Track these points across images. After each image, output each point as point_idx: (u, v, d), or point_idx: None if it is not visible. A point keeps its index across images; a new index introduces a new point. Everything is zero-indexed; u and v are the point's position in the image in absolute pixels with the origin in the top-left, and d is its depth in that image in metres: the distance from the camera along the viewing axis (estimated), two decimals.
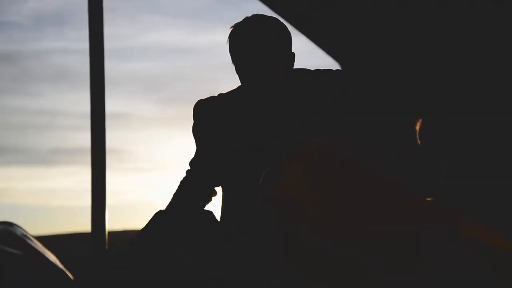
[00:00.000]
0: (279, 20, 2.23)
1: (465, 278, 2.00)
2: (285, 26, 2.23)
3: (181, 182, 2.37)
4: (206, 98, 2.31)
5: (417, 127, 3.74)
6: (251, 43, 2.15)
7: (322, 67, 2.34)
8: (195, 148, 2.36)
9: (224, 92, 2.33)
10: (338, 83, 2.27)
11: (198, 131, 2.31)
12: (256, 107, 2.22)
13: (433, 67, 5.72)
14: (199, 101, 2.32)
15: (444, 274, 2.01)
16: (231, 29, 2.20)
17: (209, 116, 2.27)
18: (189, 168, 2.37)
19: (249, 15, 2.22)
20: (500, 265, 2.01)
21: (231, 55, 2.21)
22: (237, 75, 2.24)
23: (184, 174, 2.38)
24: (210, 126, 2.27)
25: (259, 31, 2.17)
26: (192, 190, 2.33)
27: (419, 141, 3.73)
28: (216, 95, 2.32)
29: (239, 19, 2.23)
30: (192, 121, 2.34)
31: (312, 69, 2.32)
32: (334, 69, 2.32)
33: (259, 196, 2.12)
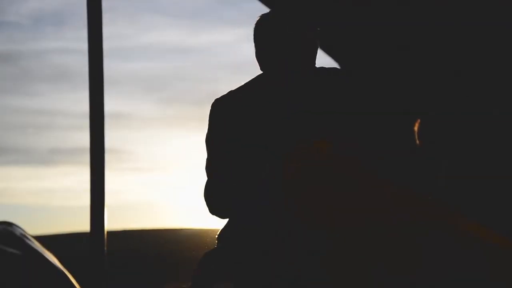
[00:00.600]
0: (305, 14, 2.25)
1: (465, 278, 2.00)
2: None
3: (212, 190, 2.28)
4: (223, 96, 2.29)
5: (416, 128, 3.74)
6: (283, 25, 2.17)
7: (321, 66, 2.34)
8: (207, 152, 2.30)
9: (238, 87, 2.31)
10: (340, 82, 2.27)
11: (219, 131, 2.27)
12: (270, 101, 2.21)
13: (433, 67, 5.72)
14: (216, 100, 2.30)
15: (444, 274, 2.00)
16: (258, 18, 2.21)
17: (229, 113, 2.25)
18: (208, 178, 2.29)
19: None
20: (499, 265, 2.01)
21: (259, 40, 2.21)
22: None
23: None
24: (232, 123, 2.24)
25: (291, 15, 2.20)
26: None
27: (418, 141, 3.72)
28: (230, 91, 2.31)
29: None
30: (208, 121, 2.30)
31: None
32: (336, 67, 2.32)
33: (260, 195, 2.12)
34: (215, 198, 2.25)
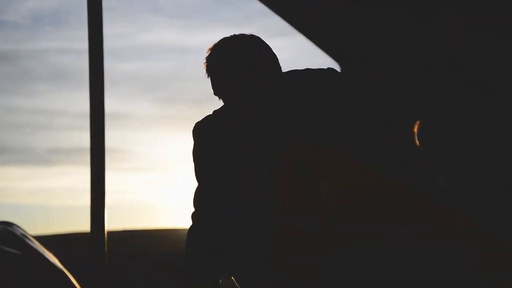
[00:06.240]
0: (249, 35, 2.23)
1: (463, 276, 2.01)
2: (255, 36, 2.23)
3: (195, 232, 2.33)
4: (203, 119, 2.31)
5: (415, 129, 3.74)
6: (227, 63, 2.17)
7: (321, 66, 2.33)
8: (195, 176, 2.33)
9: (218, 108, 2.32)
10: (331, 84, 2.26)
11: (202, 154, 2.29)
12: (249, 121, 2.22)
13: (433, 67, 5.72)
14: (197, 123, 2.31)
15: (442, 272, 2.01)
16: (204, 62, 2.21)
17: (210, 136, 2.27)
18: (195, 210, 2.33)
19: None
20: (497, 264, 2.02)
21: (212, 80, 2.21)
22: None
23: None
24: (214, 146, 2.26)
25: (229, 50, 2.18)
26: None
27: (417, 143, 3.73)
28: (211, 113, 2.32)
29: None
30: (192, 146, 2.32)
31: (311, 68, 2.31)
32: (325, 68, 2.30)
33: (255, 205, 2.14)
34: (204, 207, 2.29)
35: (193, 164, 2.32)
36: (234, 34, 2.22)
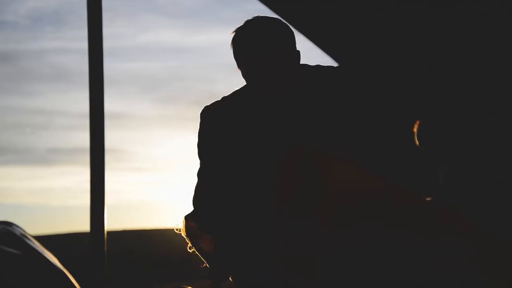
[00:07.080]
0: (281, 20, 2.23)
1: (462, 277, 2.01)
2: (288, 25, 2.23)
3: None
4: (212, 104, 2.31)
5: (415, 129, 3.74)
6: (257, 40, 2.16)
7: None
8: (198, 158, 2.33)
9: (226, 94, 2.32)
10: (338, 81, 2.26)
11: (208, 138, 2.29)
12: (263, 108, 2.22)
13: (433, 67, 5.72)
14: (205, 107, 2.31)
15: (442, 273, 2.01)
16: (233, 33, 2.21)
17: (218, 121, 2.26)
18: (197, 180, 2.32)
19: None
20: (496, 265, 2.02)
21: (236, 57, 2.21)
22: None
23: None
24: (221, 131, 2.26)
25: (264, 29, 2.18)
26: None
27: (417, 143, 3.73)
28: (219, 99, 2.32)
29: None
30: (198, 127, 2.32)
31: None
32: (334, 66, 2.31)
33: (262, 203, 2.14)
34: (204, 207, 2.28)
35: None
36: (256, 17, 2.21)
